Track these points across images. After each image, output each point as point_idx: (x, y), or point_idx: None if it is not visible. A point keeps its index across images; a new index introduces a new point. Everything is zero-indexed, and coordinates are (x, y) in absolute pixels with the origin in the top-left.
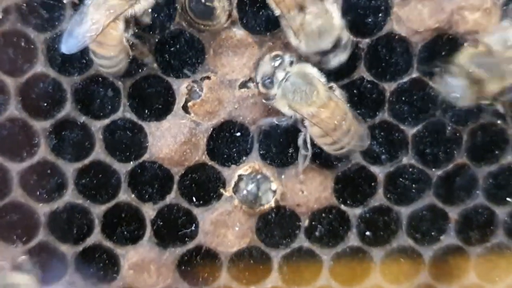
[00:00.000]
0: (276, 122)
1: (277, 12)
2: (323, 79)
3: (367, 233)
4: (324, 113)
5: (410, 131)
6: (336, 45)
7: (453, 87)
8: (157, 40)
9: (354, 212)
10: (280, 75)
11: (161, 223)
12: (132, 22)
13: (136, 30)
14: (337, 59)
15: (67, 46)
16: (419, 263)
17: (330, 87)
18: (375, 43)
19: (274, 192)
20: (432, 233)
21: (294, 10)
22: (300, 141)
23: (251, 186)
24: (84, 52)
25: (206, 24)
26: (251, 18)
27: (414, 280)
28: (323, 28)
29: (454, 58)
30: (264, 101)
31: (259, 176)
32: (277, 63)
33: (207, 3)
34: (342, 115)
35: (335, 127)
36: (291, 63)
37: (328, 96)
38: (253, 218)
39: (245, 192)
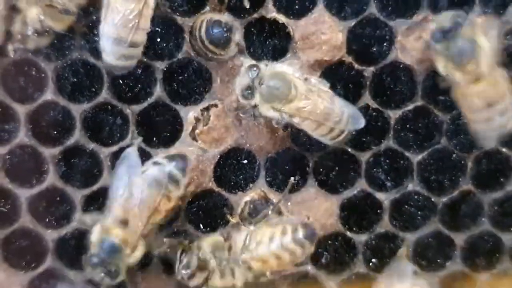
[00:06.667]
0: (276, 126)
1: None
2: (297, 73)
3: (373, 260)
4: (308, 105)
5: (415, 158)
6: None
7: None
8: (165, 68)
9: (360, 239)
10: (257, 83)
11: (168, 250)
12: None
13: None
14: None
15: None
16: None
17: (306, 79)
18: (380, 72)
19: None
20: (438, 260)
21: None
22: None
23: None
24: (93, 80)
25: (217, 52)
26: (258, 47)
27: None
28: None
29: None
30: (241, 115)
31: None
32: (254, 74)
33: (227, 33)
34: (328, 100)
35: (325, 115)
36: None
37: (307, 88)
38: None
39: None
